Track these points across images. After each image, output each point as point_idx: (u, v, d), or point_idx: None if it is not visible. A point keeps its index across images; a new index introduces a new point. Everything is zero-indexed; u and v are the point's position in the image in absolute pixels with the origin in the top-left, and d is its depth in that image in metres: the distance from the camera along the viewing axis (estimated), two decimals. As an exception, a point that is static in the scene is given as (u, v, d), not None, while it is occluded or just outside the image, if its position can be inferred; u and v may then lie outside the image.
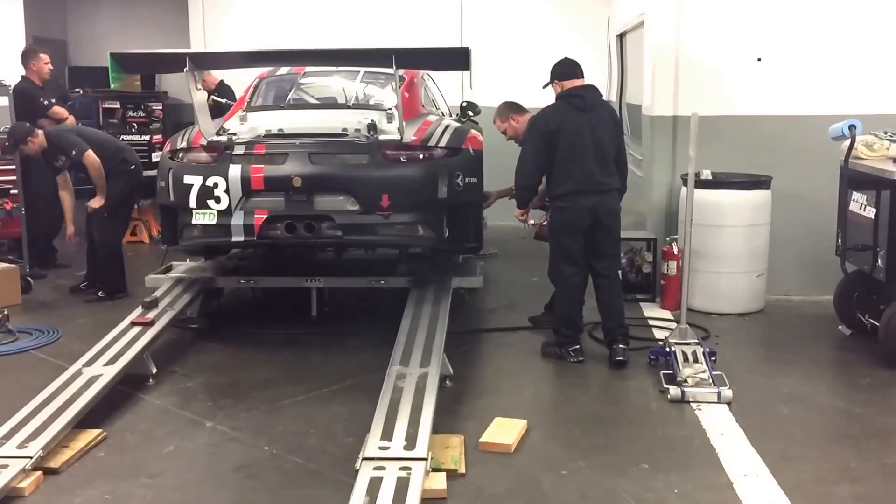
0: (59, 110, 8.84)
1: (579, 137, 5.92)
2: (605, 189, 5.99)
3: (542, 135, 5.96)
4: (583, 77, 6.23)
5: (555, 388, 5.64)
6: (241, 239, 6.18)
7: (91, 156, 7.53)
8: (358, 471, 4.10)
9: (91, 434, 4.75)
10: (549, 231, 6.22)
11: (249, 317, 7.40)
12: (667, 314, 7.20)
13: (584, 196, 5.94)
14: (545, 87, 6.35)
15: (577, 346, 6.10)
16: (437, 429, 4.59)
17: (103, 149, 7.70)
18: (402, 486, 3.94)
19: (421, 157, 6.32)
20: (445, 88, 9.07)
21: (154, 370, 5.75)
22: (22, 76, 8.87)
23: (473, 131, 7.13)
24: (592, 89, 6.19)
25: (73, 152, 7.52)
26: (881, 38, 7.39)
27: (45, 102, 8.75)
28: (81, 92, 11.69)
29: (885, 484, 4.31)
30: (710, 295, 7.20)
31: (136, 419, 5.12)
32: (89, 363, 5.40)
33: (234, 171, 6.10)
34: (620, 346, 6.02)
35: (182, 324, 6.70)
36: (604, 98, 6.38)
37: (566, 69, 6.20)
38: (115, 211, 7.81)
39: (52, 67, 9.00)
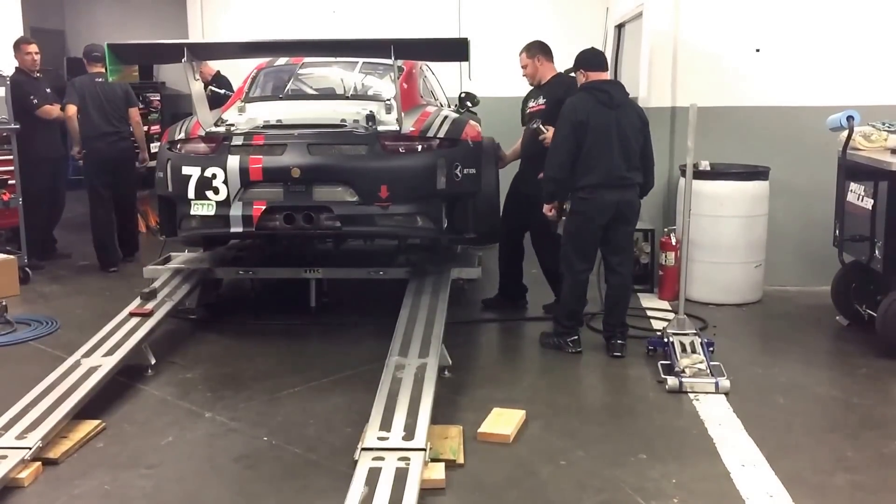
0: (49, 109, 8.67)
1: (606, 132, 5.87)
2: (627, 184, 5.97)
3: (572, 126, 5.87)
4: (607, 69, 6.25)
5: (553, 379, 5.64)
6: (240, 230, 6.15)
7: (70, 109, 8.61)
8: (357, 461, 4.10)
9: (90, 425, 4.75)
10: (567, 222, 6.09)
11: (248, 308, 7.40)
12: (665, 304, 7.22)
13: (608, 190, 5.90)
14: (568, 72, 6.35)
15: (576, 337, 6.12)
16: (435, 419, 4.59)
17: (87, 117, 8.65)
18: (400, 477, 3.94)
19: (419, 147, 6.31)
20: (444, 79, 9.05)
21: (153, 361, 5.75)
22: (16, 68, 8.77)
23: (472, 122, 7.12)
24: (619, 87, 6.20)
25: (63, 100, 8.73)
26: (879, 30, 7.40)
27: (35, 101, 8.57)
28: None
29: (881, 473, 4.32)
30: (707, 285, 7.22)
31: (134, 410, 5.12)
32: (88, 354, 5.39)
33: (233, 161, 6.09)
34: (619, 341, 6.04)
35: (181, 314, 6.70)
36: (629, 95, 6.35)
37: (593, 60, 6.15)
38: (89, 192, 8.80)
39: (36, 59, 8.74)
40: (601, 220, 5.93)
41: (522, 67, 6.91)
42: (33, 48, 8.73)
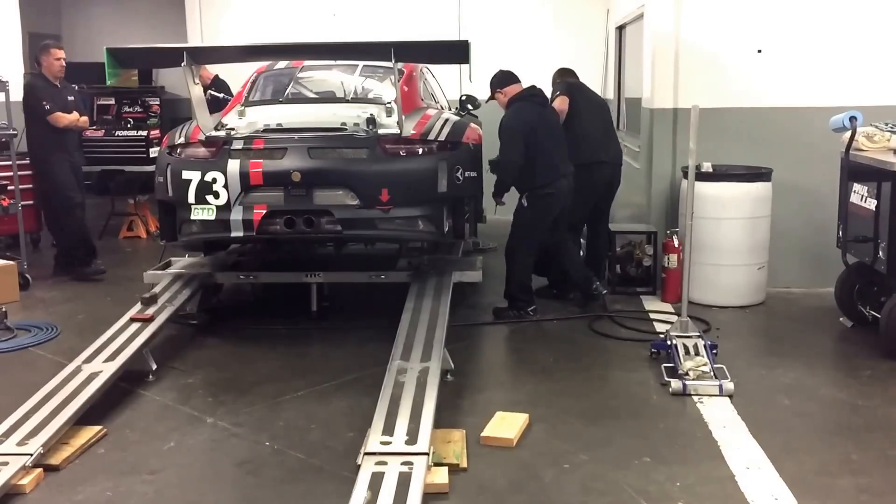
0: (58, 117, 8.31)
1: (551, 131, 6.77)
2: (571, 172, 6.87)
3: (522, 131, 6.62)
4: (520, 81, 6.97)
5: (556, 382, 5.61)
6: (241, 234, 6.15)
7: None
8: (359, 466, 4.09)
9: (91, 431, 4.73)
10: (526, 219, 6.74)
11: (249, 312, 7.39)
12: (668, 307, 7.18)
13: (564, 179, 6.77)
14: (488, 101, 7.05)
15: (534, 306, 6.85)
16: (438, 423, 4.58)
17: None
18: (403, 481, 3.93)
19: (420, 151, 6.31)
20: (444, 82, 9.04)
21: (154, 366, 5.72)
22: (38, 72, 8.49)
23: (473, 125, 7.12)
24: (541, 90, 7.02)
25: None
26: (882, 30, 7.36)
27: (48, 107, 8.25)
28: (76, 88, 11.56)
29: (887, 475, 4.29)
30: (710, 288, 7.18)
31: (136, 416, 5.10)
32: (89, 360, 5.37)
33: (233, 166, 6.08)
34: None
35: (181, 320, 6.67)
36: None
37: (505, 78, 6.93)
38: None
39: (63, 65, 8.46)
40: (560, 209, 6.80)
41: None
42: (62, 54, 8.45)
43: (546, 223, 6.80)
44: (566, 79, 7.74)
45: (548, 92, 7.37)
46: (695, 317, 6.44)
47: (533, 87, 6.90)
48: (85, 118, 8.73)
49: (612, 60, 10.62)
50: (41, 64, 8.45)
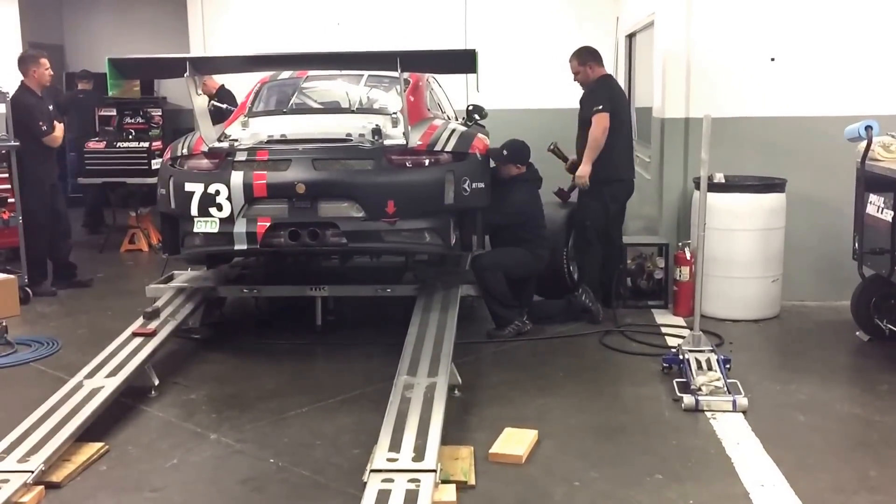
0: (56, 137, 8.24)
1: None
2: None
3: (530, 214, 6.90)
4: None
5: (565, 398, 5.55)
6: (244, 247, 6.10)
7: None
8: (366, 483, 4.05)
9: (93, 447, 4.70)
10: (524, 257, 6.79)
11: (253, 327, 7.34)
12: (679, 321, 7.12)
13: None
14: (494, 165, 6.89)
15: (524, 316, 6.81)
16: (446, 440, 4.52)
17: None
18: (411, 499, 3.89)
19: (427, 162, 6.25)
20: (451, 92, 8.97)
21: (156, 382, 5.67)
22: (21, 84, 8.31)
23: (480, 135, 7.07)
24: None
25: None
26: (897, 37, 7.31)
27: (45, 128, 8.14)
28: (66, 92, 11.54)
29: (906, 493, 4.23)
30: (723, 301, 7.10)
31: (138, 432, 5.06)
32: (90, 375, 5.33)
33: (237, 177, 6.02)
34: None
35: (184, 334, 6.63)
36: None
37: (526, 154, 6.94)
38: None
39: (52, 73, 8.46)
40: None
41: (575, 74, 7.46)
42: (48, 62, 8.33)
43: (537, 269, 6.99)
44: (598, 73, 7.43)
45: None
46: (707, 331, 6.35)
47: (536, 170, 7.04)
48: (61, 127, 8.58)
49: (622, 69, 10.56)
50: (28, 75, 8.28)
